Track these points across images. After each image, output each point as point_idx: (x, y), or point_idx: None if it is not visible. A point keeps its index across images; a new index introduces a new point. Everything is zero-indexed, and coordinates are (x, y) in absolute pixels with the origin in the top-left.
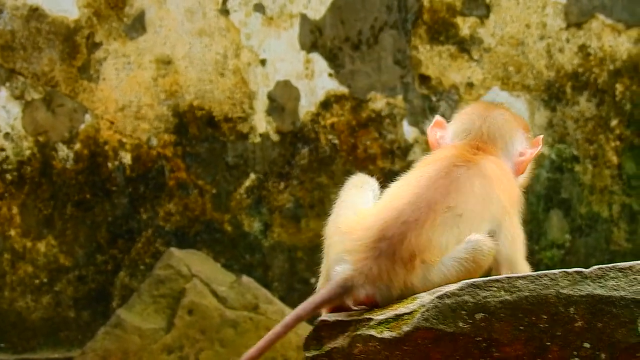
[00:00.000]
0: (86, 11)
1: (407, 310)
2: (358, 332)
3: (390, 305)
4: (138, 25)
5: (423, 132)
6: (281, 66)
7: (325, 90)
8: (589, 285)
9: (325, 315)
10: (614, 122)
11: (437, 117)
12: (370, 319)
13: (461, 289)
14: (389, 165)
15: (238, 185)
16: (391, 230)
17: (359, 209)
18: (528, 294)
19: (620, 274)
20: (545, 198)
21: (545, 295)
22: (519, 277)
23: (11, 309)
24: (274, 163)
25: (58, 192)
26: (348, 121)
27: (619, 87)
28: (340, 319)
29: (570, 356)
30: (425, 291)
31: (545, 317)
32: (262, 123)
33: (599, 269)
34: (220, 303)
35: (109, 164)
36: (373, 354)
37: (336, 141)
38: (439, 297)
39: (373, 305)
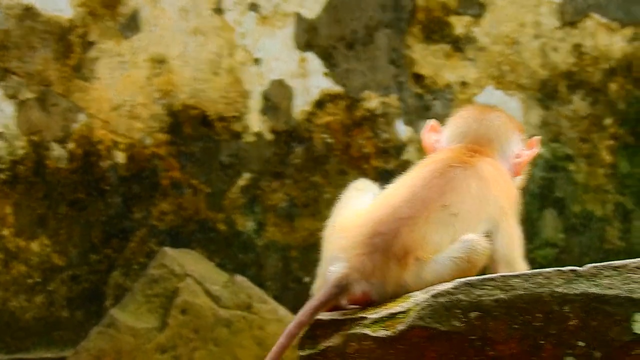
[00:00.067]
0: (80, 10)
1: (402, 309)
2: (353, 331)
3: (385, 304)
4: (132, 25)
5: (417, 131)
6: (275, 65)
7: (320, 89)
8: (583, 283)
9: (320, 314)
10: (608, 121)
11: (432, 121)
12: (365, 318)
13: (455, 287)
14: (383, 164)
15: (232, 185)
16: (385, 226)
17: (356, 209)
18: (522, 292)
19: (614, 272)
20: (539, 197)
21: (539, 294)
22: (513, 276)
23: (4, 308)
24: (268, 162)
25: (52, 192)
26: (342, 120)
27: (613, 86)
28: (334, 317)
29: (565, 354)
30: (419, 289)
31: (540, 315)
32: (256, 122)
33: (593, 267)
34: (214, 302)
35: (103, 164)
36: (367, 352)
37: (330, 140)
38: (434, 296)
39: (369, 304)
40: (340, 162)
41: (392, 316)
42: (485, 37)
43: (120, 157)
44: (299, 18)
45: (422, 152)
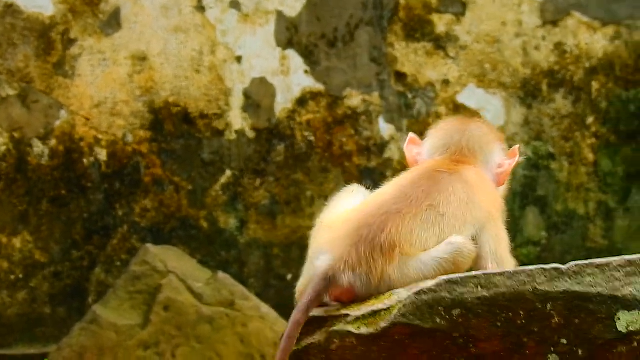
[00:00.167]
0: (61, 7)
1: (384, 306)
2: (335, 328)
3: (367, 301)
4: (113, 22)
5: (399, 130)
6: (257, 63)
7: (301, 87)
8: (566, 281)
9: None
10: (590, 120)
11: (411, 135)
12: (348, 315)
13: (438, 285)
14: (365, 162)
15: (214, 182)
16: (373, 219)
17: (345, 209)
18: (505, 290)
19: (597, 270)
20: (521, 195)
21: (522, 292)
22: (496, 274)
23: None
24: (250, 160)
25: (33, 188)
26: (324, 118)
27: (594, 85)
28: (317, 314)
29: (548, 352)
30: (402, 286)
31: (522, 313)
32: (237, 120)
33: (576, 265)
34: (196, 299)
35: (85, 160)
36: (350, 349)
37: (312, 138)
38: (416, 293)
39: (352, 300)
40: (321, 160)
41: (375, 313)
42: (466, 35)
43: (101, 154)
44: (280, 16)
45: (403, 151)
